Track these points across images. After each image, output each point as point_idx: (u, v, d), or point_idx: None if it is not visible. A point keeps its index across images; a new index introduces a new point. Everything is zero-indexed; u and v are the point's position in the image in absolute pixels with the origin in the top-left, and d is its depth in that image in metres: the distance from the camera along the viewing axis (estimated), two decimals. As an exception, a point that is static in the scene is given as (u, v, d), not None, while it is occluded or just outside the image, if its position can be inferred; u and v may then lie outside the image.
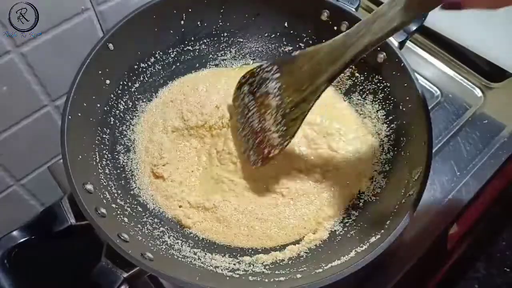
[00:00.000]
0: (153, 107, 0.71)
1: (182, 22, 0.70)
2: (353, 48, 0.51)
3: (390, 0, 0.47)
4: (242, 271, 0.56)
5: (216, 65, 0.77)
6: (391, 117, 0.66)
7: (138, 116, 0.70)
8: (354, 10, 0.66)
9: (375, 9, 0.95)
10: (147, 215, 0.61)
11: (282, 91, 0.59)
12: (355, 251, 0.52)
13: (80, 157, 0.55)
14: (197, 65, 0.75)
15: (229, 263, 0.58)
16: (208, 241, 0.62)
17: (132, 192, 0.63)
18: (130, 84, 0.68)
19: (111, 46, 0.61)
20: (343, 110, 0.72)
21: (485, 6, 0.37)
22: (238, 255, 0.60)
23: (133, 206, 0.60)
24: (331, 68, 0.53)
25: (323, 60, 0.54)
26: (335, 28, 0.69)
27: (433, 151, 0.57)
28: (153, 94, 0.72)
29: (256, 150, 0.63)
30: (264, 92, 0.61)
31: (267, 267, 0.57)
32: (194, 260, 0.57)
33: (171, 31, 0.70)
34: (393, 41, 0.63)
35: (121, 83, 0.66)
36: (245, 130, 0.65)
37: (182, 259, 0.56)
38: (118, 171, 0.63)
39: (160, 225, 0.61)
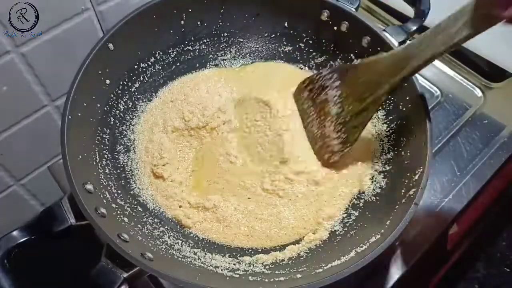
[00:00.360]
0: (153, 107, 0.71)
1: (182, 22, 0.70)
2: (415, 60, 0.51)
3: (454, 14, 0.47)
4: (242, 271, 0.56)
5: (216, 65, 0.77)
6: (391, 117, 0.66)
7: (138, 116, 0.70)
8: (354, 10, 0.66)
9: (375, 9, 0.96)
10: (147, 215, 0.61)
11: (342, 99, 0.60)
12: (355, 251, 0.52)
13: (80, 157, 0.55)
14: (197, 65, 0.75)
15: (229, 263, 0.58)
16: (208, 241, 0.62)
17: (132, 192, 0.63)
18: (130, 84, 0.68)
19: (111, 46, 0.61)
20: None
21: None
22: (238, 255, 0.60)
23: (133, 206, 0.60)
24: (392, 79, 0.54)
25: (384, 72, 0.55)
26: (335, 28, 0.69)
27: (433, 151, 0.57)
28: (153, 94, 0.72)
29: (317, 155, 0.65)
30: (324, 100, 0.62)
31: (267, 267, 0.57)
32: (194, 260, 0.57)
33: (171, 31, 0.70)
34: (393, 41, 0.63)
35: (121, 83, 0.66)
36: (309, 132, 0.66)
37: (182, 259, 0.56)
38: (118, 171, 0.63)
39: (160, 225, 0.61)
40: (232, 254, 0.60)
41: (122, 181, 0.62)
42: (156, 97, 0.72)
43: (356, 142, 0.62)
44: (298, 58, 0.76)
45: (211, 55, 0.76)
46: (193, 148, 0.69)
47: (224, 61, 0.77)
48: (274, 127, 0.66)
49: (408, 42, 0.53)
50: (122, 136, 0.66)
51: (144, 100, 0.71)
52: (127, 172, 0.64)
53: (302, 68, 0.76)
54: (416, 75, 0.60)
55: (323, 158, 0.65)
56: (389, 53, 0.55)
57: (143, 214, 0.61)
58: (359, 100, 0.58)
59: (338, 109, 0.61)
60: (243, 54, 0.77)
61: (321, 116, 0.64)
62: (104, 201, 0.55)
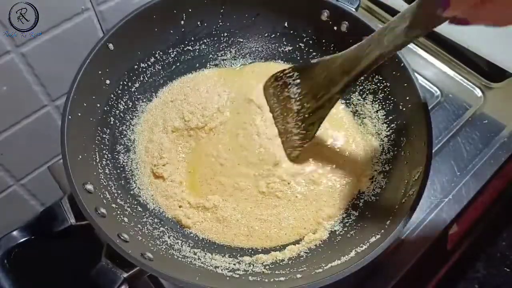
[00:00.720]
0: (153, 107, 0.71)
1: (182, 22, 0.70)
2: (365, 60, 0.52)
3: (400, 15, 0.47)
4: (242, 271, 0.56)
5: (216, 65, 0.77)
6: (391, 117, 0.66)
7: (138, 116, 0.70)
8: (354, 10, 0.66)
9: (375, 9, 0.96)
10: (147, 215, 0.61)
11: (302, 96, 0.62)
12: (355, 251, 0.52)
13: (80, 157, 0.55)
14: (197, 65, 0.75)
15: (229, 263, 0.58)
16: (208, 241, 0.62)
17: (132, 192, 0.63)
18: (130, 84, 0.68)
19: (111, 46, 0.61)
20: (339, 114, 0.73)
21: (491, 24, 0.37)
22: (238, 255, 0.60)
23: (133, 206, 0.60)
24: (345, 78, 0.55)
25: (338, 70, 0.56)
26: (335, 28, 0.69)
27: (433, 151, 0.57)
28: (153, 94, 0.72)
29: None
30: (286, 97, 0.64)
31: (267, 267, 0.57)
32: (194, 260, 0.57)
33: (171, 31, 0.70)
34: (393, 41, 0.63)
35: (121, 83, 0.66)
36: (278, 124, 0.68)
37: (182, 259, 0.56)
38: (118, 171, 0.63)
39: (160, 225, 0.61)
40: (232, 254, 0.60)
41: (122, 181, 0.62)
42: (156, 97, 0.72)
43: (313, 138, 0.63)
44: (298, 58, 0.76)
45: (211, 55, 0.76)
46: (193, 148, 0.69)
47: (224, 61, 0.77)
48: (263, 130, 0.67)
49: (359, 43, 0.54)
50: (122, 136, 0.66)
51: (144, 100, 0.71)
52: (127, 172, 0.64)
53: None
54: (416, 75, 0.60)
55: (286, 152, 0.66)
56: (342, 52, 0.56)
57: (143, 214, 0.61)
58: (316, 98, 0.60)
59: (298, 106, 0.63)
60: (243, 54, 0.77)
61: (284, 112, 0.65)
62: (104, 201, 0.55)
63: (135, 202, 0.62)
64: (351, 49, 0.55)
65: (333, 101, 0.58)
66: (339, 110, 0.73)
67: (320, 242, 0.60)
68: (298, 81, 0.62)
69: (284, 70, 0.64)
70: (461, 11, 0.38)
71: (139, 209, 0.61)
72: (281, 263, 0.58)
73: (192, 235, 0.62)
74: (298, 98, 0.62)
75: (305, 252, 0.60)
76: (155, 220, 0.61)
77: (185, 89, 0.72)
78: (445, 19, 0.41)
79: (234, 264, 0.58)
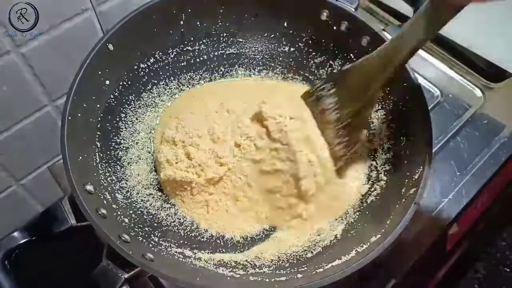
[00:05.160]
0: (153, 110, 0.71)
1: (182, 22, 0.70)
2: (403, 51, 0.52)
3: (428, 2, 0.49)
4: (243, 271, 0.56)
5: (216, 66, 0.76)
6: (391, 117, 0.66)
7: (138, 117, 0.70)
8: (353, 9, 0.66)
9: (374, 9, 0.96)
10: (147, 215, 0.61)
11: (338, 104, 0.61)
12: (356, 250, 0.52)
13: (80, 157, 0.55)
14: (197, 65, 0.75)
15: (229, 263, 0.58)
16: (208, 241, 0.62)
17: (132, 193, 0.63)
18: (130, 84, 0.68)
19: (110, 46, 0.61)
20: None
21: None
22: (239, 254, 0.60)
23: (133, 206, 0.60)
24: (383, 74, 0.55)
25: (375, 69, 0.56)
26: (335, 27, 0.69)
27: (433, 151, 0.57)
28: (154, 96, 0.72)
29: None
30: (321, 110, 0.63)
31: (267, 267, 0.57)
32: (195, 260, 0.57)
33: (171, 31, 0.70)
34: (393, 40, 0.63)
35: (121, 83, 0.66)
36: None
37: (183, 260, 0.56)
38: (119, 171, 0.63)
39: (160, 225, 0.61)
40: (233, 252, 0.60)
41: (122, 182, 0.62)
42: (156, 99, 0.72)
43: (359, 142, 0.62)
44: (298, 58, 0.76)
45: (211, 55, 0.76)
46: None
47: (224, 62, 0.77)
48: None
49: (390, 38, 0.54)
50: (122, 136, 0.66)
51: (144, 101, 0.71)
52: (127, 173, 0.64)
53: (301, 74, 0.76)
54: (416, 75, 0.60)
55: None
56: (375, 51, 0.56)
57: (144, 214, 0.61)
58: (355, 101, 0.59)
59: (336, 115, 0.61)
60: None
61: (321, 127, 0.64)
62: (105, 201, 0.55)
63: (136, 202, 0.62)
64: (384, 45, 0.55)
65: (375, 99, 0.59)
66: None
67: (321, 243, 0.60)
68: (333, 90, 0.61)
69: (316, 85, 0.64)
70: None
71: (140, 210, 0.61)
72: (281, 263, 0.58)
73: (192, 235, 0.62)
74: (334, 107, 0.61)
75: (305, 252, 0.60)
76: (156, 220, 0.61)
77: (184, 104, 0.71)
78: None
79: (235, 264, 0.58)
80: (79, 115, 0.57)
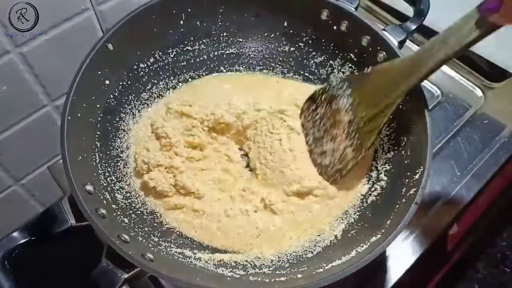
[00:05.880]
0: (153, 109, 0.71)
1: (182, 22, 0.70)
2: (430, 62, 0.52)
3: (465, 15, 0.49)
4: (243, 271, 0.56)
5: (218, 71, 0.76)
6: (391, 117, 0.65)
7: (137, 116, 0.69)
8: (353, 9, 0.66)
9: (374, 8, 0.96)
10: (147, 215, 0.61)
11: (354, 106, 0.61)
12: (356, 251, 0.52)
13: (80, 157, 0.55)
14: (197, 65, 0.75)
15: (229, 263, 0.58)
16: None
17: (132, 193, 0.63)
18: (129, 84, 0.68)
19: (110, 46, 0.61)
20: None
21: None
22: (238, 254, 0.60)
23: (133, 206, 0.60)
24: (407, 82, 0.55)
25: (399, 76, 0.56)
26: (335, 27, 0.69)
27: (433, 151, 0.57)
28: (153, 95, 0.72)
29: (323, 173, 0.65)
30: (335, 109, 0.63)
31: (267, 267, 0.57)
32: (195, 260, 0.57)
33: (171, 31, 0.70)
34: (393, 40, 0.63)
35: (120, 83, 0.66)
36: (317, 148, 0.65)
37: (183, 260, 0.56)
38: (118, 171, 0.63)
39: (160, 225, 0.61)
40: (232, 253, 0.60)
41: (122, 182, 0.62)
42: (156, 99, 0.72)
43: (371, 147, 0.62)
44: (298, 57, 0.75)
45: (211, 55, 0.76)
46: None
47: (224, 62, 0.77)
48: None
49: (419, 47, 0.54)
50: (121, 136, 0.66)
51: (144, 101, 0.71)
52: (126, 173, 0.64)
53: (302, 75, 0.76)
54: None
55: (328, 174, 0.64)
56: (401, 58, 0.57)
57: (143, 214, 0.61)
58: (373, 105, 0.59)
59: (350, 116, 0.61)
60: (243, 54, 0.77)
61: (332, 125, 0.64)
62: (104, 201, 0.55)
63: (135, 203, 0.62)
64: (413, 53, 0.55)
65: (393, 106, 0.57)
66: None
67: (321, 243, 0.60)
68: (350, 91, 0.61)
69: (331, 83, 0.64)
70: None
71: (139, 210, 0.61)
72: (281, 263, 0.58)
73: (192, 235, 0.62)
74: (350, 108, 0.61)
75: (305, 252, 0.60)
76: (155, 220, 0.61)
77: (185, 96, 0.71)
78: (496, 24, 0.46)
79: (235, 264, 0.58)
80: (79, 115, 0.57)
